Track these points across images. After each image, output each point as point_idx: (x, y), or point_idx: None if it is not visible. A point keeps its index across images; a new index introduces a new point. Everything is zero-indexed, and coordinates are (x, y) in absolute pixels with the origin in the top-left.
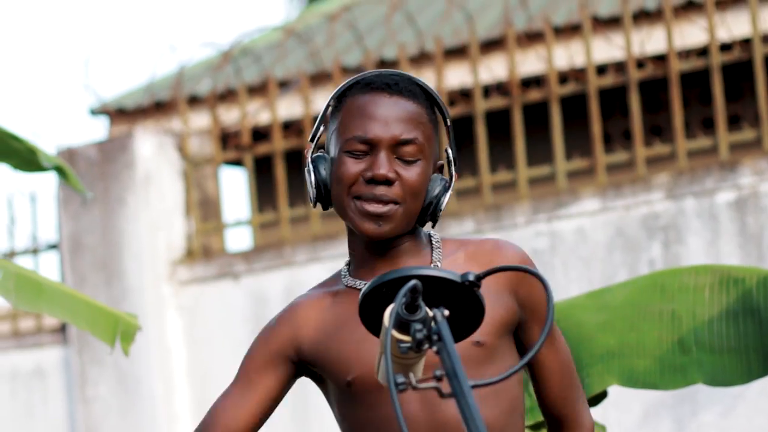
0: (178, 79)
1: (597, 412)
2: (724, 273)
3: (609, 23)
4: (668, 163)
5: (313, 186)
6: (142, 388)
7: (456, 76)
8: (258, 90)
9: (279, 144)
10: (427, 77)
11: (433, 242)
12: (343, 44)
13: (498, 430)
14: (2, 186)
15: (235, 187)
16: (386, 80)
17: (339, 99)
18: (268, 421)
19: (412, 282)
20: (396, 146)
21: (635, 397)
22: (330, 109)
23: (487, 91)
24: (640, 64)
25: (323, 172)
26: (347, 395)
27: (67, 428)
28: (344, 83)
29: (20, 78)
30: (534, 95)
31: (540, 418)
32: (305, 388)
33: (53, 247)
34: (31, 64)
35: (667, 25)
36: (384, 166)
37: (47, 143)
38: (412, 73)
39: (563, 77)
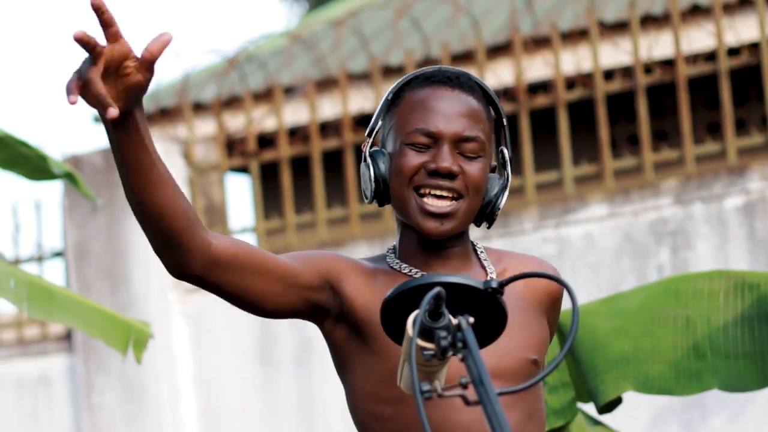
0: (183, 85)
1: (605, 419)
2: (738, 278)
3: (616, 28)
4: (676, 168)
5: (372, 180)
6: (148, 395)
7: None
8: (263, 96)
9: (285, 150)
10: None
11: (477, 249)
12: (348, 50)
13: None
14: (7, 194)
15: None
16: (447, 74)
17: (396, 94)
18: (273, 419)
19: (437, 289)
20: (458, 142)
21: (643, 402)
22: (387, 104)
23: None
24: (648, 69)
25: (382, 166)
26: (371, 358)
27: None
28: (402, 78)
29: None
30: (541, 100)
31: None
32: (311, 381)
33: (58, 254)
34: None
35: (674, 29)
36: (448, 159)
37: (52, 151)
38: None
39: (570, 82)
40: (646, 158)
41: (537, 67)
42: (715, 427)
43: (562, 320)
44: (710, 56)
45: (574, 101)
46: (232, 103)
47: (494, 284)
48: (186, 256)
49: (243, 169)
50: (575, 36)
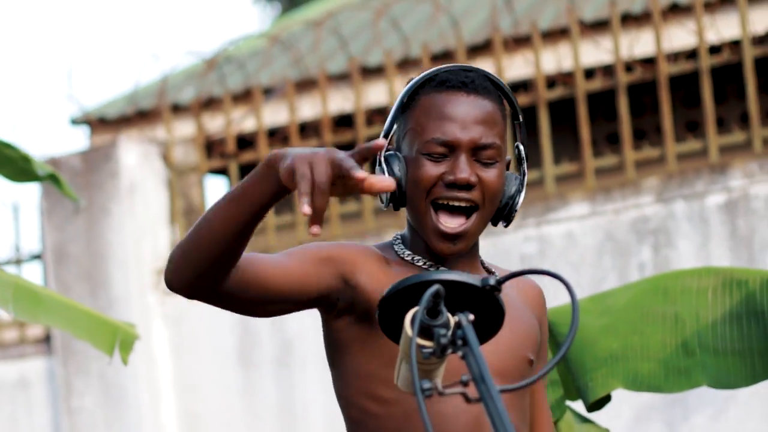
0: (161, 87)
1: (592, 416)
2: (726, 275)
3: (596, 26)
4: (657, 166)
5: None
6: (127, 398)
7: None
8: (242, 97)
9: (264, 151)
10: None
11: (480, 259)
12: (327, 50)
13: None
14: None
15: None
16: (462, 78)
17: (411, 96)
18: (254, 421)
19: (436, 286)
20: (475, 149)
21: (625, 400)
22: (402, 105)
23: None
24: (629, 67)
25: (397, 171)
26: (381, 341)
27: None
28: (417, 78)
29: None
30: (521, 99)
31: None
32: (291, 383)
33: (36, 257)
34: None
35: (655, 27)
36: (466, 170)
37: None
38: (398, 79)
39: (551, 81)
40: (627, 157)
41: (517, 66)
42: (697, 425)
43: (554, 319)
44: (691, 54)
45: (554, 100)
46: (211, 104)
47: (492, 281)
48: (215, 282)
49: (222, 171)
50: (556, 35)
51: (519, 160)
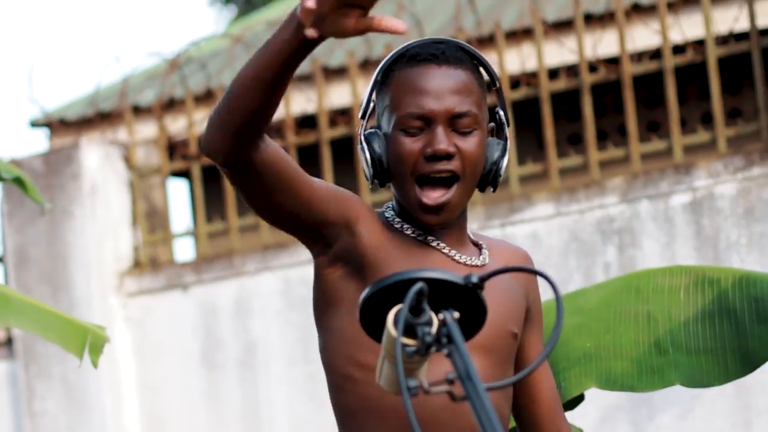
0: (123, 88)
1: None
2: (698, 274)
3: (560, 27)
4: (622, 166)
5: (369, 165)
6: (90, 401)
7: None
8: (204, 98)
9: None
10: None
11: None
12: None
13: None
14: None
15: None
16: (432, 51)
17: (386, 73)
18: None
19: (420, 284)
20: (451, 119)
21: (591, 400)
22: (377, 84)
23: None
24: (593, 67)
25: (377, 149)
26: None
27: None
28: (389, 56)
29: None
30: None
31: None
32: (256, 384)
33: None
34: None
35: (619, 27)
36: (443, 140)
37: None
38: (360, 80)
39: (515, 81)
40: (592, 157)
41: None
42: (663, 425)
43: None
44: (655, 54)
45: (518, 100)
46: (172, 105)
47: (475, 279)
48: (245, 146)
49: (185, 173)
50: (519, 35)
51: (500, 126)
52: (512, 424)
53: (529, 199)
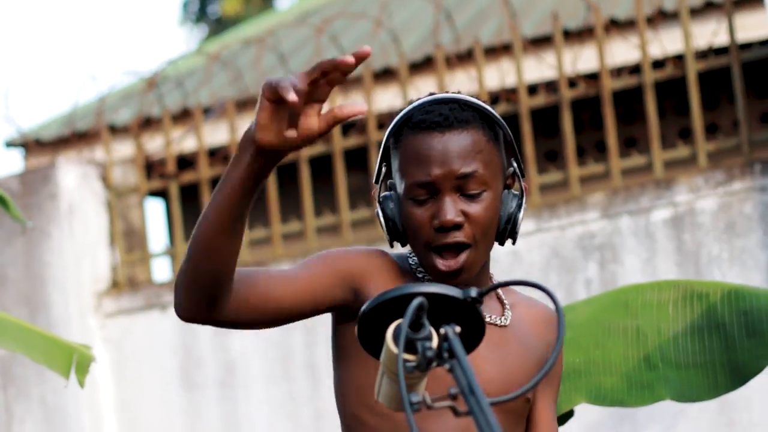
0: (99, 107)
1: None
2: (687, 288)
3: (539, 42)
4: (602, 182)
5: (385, 230)
6: (69, 423)
7: (385, 98)
8: (182, 117)
9: (205, 171)
10: (356, 101)
11: (493, 280)
12: (267, 68)
13: None
14: None
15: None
16: (435, 117)
17: (398, 133)
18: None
19: (420, 299)
20: (458, 183)
21: (575, 417)
22: (387, 148)
23: None
24: (572, 83)
25: (390, 212)
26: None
27: None
28: (396, 118)
29: None
30: None
31: None
32: (235, 404)
33: None
34: None
35: (598, 43)
36: (450, 211)
37: None
38: (340, 97)
39: (494, 97)
40: (572, 172)
41: (460, 83)
42: None
43: None
44: (634, 69)
45: None
46: (150, 124)
47: (473, 293)
48: (220, 302)
49: (162, 192)
50: (498, 51)
51: (514, 177)
52: None
53: None
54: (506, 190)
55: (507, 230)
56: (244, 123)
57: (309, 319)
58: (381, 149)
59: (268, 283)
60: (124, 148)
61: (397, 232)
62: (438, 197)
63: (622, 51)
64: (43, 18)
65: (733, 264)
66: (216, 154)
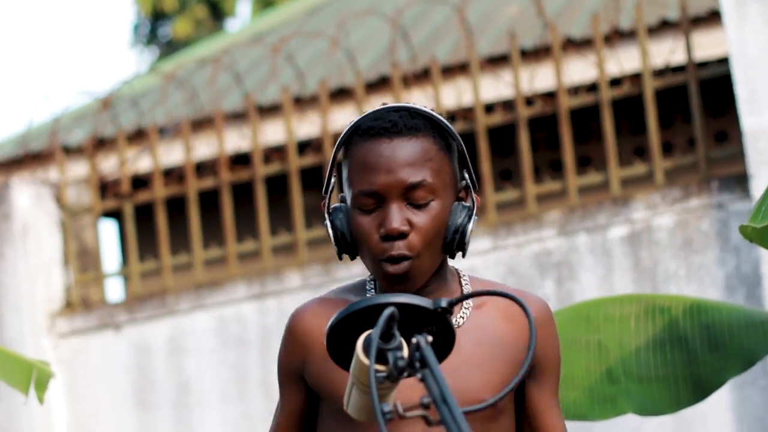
0: (53, 127)
1: None
2: (649, 302)
3: (496, 61)
4: (559, 200)
5: (333, 242)
6: None
7: (341, 118)
8: (136, 137)
9: (160, 191)
10: (311, 120)
11: (462, 281)
12: (222, 87)
13: None
14: None
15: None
16: (384, 124)
17: (347, 144)
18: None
19: (391, 309)
20: (405, 192)
21: None
22: (335, 159)
23: None
24: (529, 101)
25: (339, 223)
26: (345, 419)
27: None
28: (345, 129)
29: None
30: None
31: None
32: (190, 424)
33: None
34: None
35: (555, 61)
36: (395, 219)
37: None
38: (296, 117)
39: (451, 116)
40: (529, 190)
41: (417, 102)
42: None
43: None
44: (591, 87)
45: None
46: (104, 144)
47: (444, 303)
48: None
49: (116, 212)
50: (455, 69)
51: (467, 189)
52: None
53: None
54: (457, 202)
55: (455, 241)
56: (199, 142)
57: (262, 337)
58: (331, 160)
59: None
60: (78, 169)
61: (346, 243)
62: (384, 205)
63: (579, 69)
64: None
65: (690, 280)
66: (171, 174)
